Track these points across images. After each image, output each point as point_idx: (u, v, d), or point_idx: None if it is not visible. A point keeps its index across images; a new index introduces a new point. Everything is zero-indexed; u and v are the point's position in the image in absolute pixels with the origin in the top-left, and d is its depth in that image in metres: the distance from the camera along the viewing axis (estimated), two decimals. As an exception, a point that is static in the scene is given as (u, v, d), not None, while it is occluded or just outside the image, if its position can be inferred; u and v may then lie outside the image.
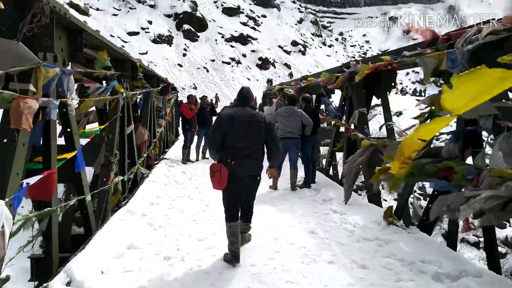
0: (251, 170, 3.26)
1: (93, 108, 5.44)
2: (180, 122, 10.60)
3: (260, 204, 4.44)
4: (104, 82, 5.27)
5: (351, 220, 4.24)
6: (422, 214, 4.06)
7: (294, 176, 6.00)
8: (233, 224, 3.25)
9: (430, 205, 3.42)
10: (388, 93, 5.76)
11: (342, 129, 6.87)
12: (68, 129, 3.57)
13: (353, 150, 6.43)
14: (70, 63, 3.63)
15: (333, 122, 6.82)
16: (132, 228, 3.80)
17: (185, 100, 10.04)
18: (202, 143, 9.49)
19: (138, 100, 8.35)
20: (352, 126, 5.67)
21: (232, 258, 3.13)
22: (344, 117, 6.63)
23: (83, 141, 4.72)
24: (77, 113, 4.42)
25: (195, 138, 9.43)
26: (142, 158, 7.17)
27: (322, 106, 8.29)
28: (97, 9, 42.26)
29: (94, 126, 5.73)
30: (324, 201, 5.27)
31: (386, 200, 10.78)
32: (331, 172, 7.46)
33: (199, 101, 9.84)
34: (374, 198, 5.13)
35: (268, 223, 4.26)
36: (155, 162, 8.66)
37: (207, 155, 9.81)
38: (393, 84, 5.57)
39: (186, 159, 8.91)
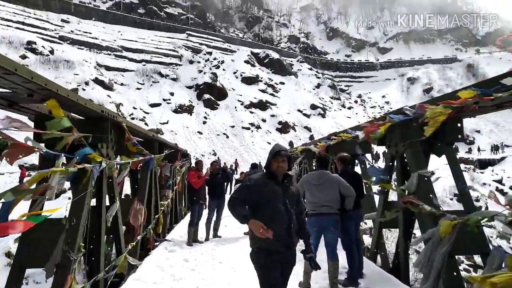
0: None
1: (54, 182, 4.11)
2: (186, 194, 9.12)
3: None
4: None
5: None
6: None
7: (334, 269, 4.29)
8: None
9: None
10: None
11: (391, 195, 5.26)
12: None
13: (410, 224, 4.78)
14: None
15: (377, 188, 5.21)
16: None
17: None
18: (214, 218, 7.93)
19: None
20: (408, 194, 4.08)
21: None
22: (393, 181, 5.04)
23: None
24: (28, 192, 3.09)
25: (205, 212, 7.92)
26: (133, 243, 5.64)
27: (356, 168, 6.75)
28: (122, 84, 44.09)
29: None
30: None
31: None
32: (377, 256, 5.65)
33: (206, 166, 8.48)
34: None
35: None
36: (156, 244, 7.08)
37: (220, 232, 8.14)
38: (459, 136, 4.05)
39: (193, 239, 7.30)
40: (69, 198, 3.77)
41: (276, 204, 2.76)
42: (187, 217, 9.44)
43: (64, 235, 3.61)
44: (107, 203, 4.86)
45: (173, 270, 5.25)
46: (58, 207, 3.28)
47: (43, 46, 40.67)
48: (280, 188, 2.82)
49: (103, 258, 4.49)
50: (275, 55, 64.64)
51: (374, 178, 4.95)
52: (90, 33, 49.60)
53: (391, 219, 4.87)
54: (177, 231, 8.44)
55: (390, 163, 5.07)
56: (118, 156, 6.12)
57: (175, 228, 9.03)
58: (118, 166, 5.14)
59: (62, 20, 49.11)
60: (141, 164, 6.89)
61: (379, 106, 70.74)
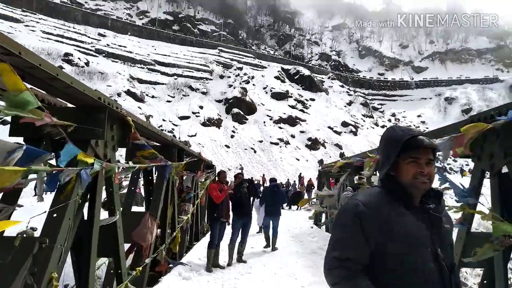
0: None
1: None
2: (206, 209, 8.01)
3: None
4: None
5: None
6: None
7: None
8: None
9: None
10: None
11: (475, 222, 3.91)
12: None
13: (506, 265, 3.45)
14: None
15: (459, 213, 3.88)
16: None
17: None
18: (239, 239, 6.76)
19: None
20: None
21: None
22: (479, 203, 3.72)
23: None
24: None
25: (228, 230, 6.78)
26: (139, 268, 4.56)
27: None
28: (153, 97, 44.46)
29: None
30: None
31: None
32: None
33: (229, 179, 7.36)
34: None
35: None
36: (169, 266, 5.98)
37: (245, 256, 6.93)
38: None
39: (212, 263, 6.14)
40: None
41: (422, 258, 1.35)
42: (208, 236, 8.20)
43: (30, 261, 2.57)
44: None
45: (185, 308, 4.11)
46: (17, 221, 2.24)
47: (79, 58, 41.88)
48: (424, 222, 1.40)
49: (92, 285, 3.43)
50: (305, 72, 63.69)
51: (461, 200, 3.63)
52: (125, 47, 50.84)
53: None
54: (196, 251, 7.32)
55: (479, 182, 3.75)
56: (129, 162, 5.16)
57: (195, 247, 7.92)
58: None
59: (99, 34, 50.71)
60: (156, 172, 5.90)
61: (414, 125, 67.64)
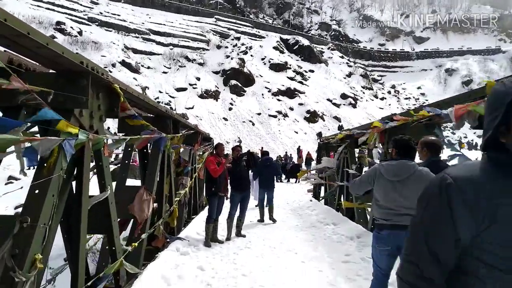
0: None
1: None
2: (204, 183, 7.80)
3: None
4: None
5: None
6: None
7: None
8: None
9: None
10: None
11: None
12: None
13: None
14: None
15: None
16: None
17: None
18: (237, 213, 6.61)
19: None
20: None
21: None
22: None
23: None
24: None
25: (226, 204, 6.61)
26: (135, 243, 4.40)
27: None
28: (148, 68, 43.48)
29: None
30: None
31: None
32: None
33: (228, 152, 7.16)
34: None
35: None
36: (167, 241, 5.84)
37: (244, 230, 6.81)
38: None
39: (211, 238, 6.01)
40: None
41: None
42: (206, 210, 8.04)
43: (10, 242, 2.35)
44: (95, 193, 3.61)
45: (182, 285, 3.96)
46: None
47: (71, 27, 40.55)
48: None
49: (82, 269, 3.25)
50: (305, 42, 62.20)
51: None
52: (119, 15, 49.15)
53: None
54: (194, 226, 7.20)
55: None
56: (120, 134, 4.88)
57: (193, 221, 7.80)
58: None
59: (92, 2, 48.86)
60: (151, 145, 5.63)
61: (414, 97, 67.18)
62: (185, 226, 7.28)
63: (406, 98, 66.90)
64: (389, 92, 67.58)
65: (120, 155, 17.27)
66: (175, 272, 4.33)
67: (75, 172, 3.19)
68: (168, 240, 5.75)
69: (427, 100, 63.44)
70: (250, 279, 4.36)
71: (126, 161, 5.53)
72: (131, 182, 10.59)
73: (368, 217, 7.26)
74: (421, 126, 5.17)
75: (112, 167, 13.04)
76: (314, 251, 5.69)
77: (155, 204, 6.12)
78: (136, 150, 5.78)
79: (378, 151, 7.21)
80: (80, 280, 3.16)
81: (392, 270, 3.11)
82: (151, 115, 5.67)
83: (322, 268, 4.82)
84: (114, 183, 5.57)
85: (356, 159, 8.52)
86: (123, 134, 4.65)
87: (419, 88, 71.57)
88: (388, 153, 6.05)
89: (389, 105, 60.35)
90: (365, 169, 8.81)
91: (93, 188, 3.66)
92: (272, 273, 4.60)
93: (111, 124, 24.22)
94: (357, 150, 8.87)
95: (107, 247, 4.75)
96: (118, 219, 5.27)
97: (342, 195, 9.31)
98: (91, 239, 5.51)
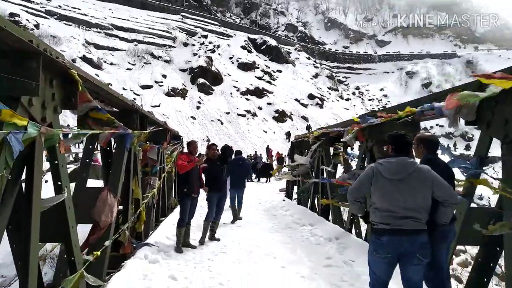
0: None
1: None
2: (176, 184, 7.28)
3: None
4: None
5: None
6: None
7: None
8: None
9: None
10: None
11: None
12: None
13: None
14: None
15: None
16: None
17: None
18: (214, 215, 6.18)
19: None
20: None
21: None
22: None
23: None
24: None
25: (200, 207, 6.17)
26: (97, 252, 3.88)
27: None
28: (111, 64, 41.67)
29: None
30: None
31: None
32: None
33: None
34: None
35: None
36: (134, 247, 5.32)
37: (218, 233, 6.39)
38: None
39: (183, 243, 5.56)
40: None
41: None
42: (176, 212, 7.40)
43: None
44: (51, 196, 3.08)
45: (153, 299, 3.51)
46: None
47: (27, 20, 37.96)
48: None
49: (34, 281, 2.73)
50: (272, 42, 62.36)
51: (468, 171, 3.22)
52: (79, 9, 46.73)
53: (472, 234, 3.25)
54: (163, 229, 6.68)
55: (486, 151, 3.37)
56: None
57: (162, 224, 7.27)
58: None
59: (49, -6, 46.10)
60: (115, 143, 5.10)
61: (377, 99, 69.41)
62: (153, 230, 6.75)
63: (370, 99, 68.96)
64: (353, 93, 69.37)
65: (80, 154, 16.19)
66: (144, 283, 3.86)
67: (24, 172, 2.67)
68: (135, 246, 5.23)
69: (389, 102, 65.78)
70: (228, 289, 3.97)
71: (87, 160, 4.95)
72: (92, 183, 9.83)
73: (346, 217, 7.10)
74: (400, 124, 5.02)
75: (72, 167, 12.12)
76: (293, 255, 5.39)
77: (121, 207, 5.60)
78: (98, 148, 5.23)
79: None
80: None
81: (390, 279, 2.84)
82: (115, 110, 5.12)
83: (304, 273, 4.53)
84: (73, 185, 4.99)
85: (331, 158, 8.35)
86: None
87: (381, 89, 74.05)
88: (367, 151, 5.88)
89: (354, 105, 61.94)
90: (340, 168, 8.67)
91: (49, 191, 3.14)
92: (251, 281, 4.24)
93: (72, 122, 22.85)
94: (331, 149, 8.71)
95: (65, 256, 4.20)
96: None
97: (316, 194, 9.13)
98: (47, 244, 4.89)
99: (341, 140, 5.92)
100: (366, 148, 5.74)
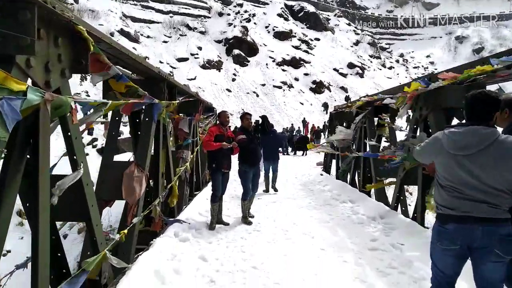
0: None
1: None
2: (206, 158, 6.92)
3: None
4: None
5: None
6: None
7: None
8: None
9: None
10: None
11: None
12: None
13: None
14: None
15: None
16: None
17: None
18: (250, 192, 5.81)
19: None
20: None
21: None
22: None
23: None
24: None
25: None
26: (125, 231, 3.65)
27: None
28: (148, 37, 41.87)
29: None
30: None
31: None
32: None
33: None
34: None
35: None
36: (165, 223, 5.11)
37: (251, 209, 6.04)
38: None
39: (216, 220, 5.27)
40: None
41: None
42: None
43: None
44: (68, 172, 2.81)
45: (180, 283, 3.23)
46: None
47: (66, -6, 38.68)
48: None
49: (46, 268, 2.49)
50: (310, 8, 59.53)
51: None
52: (116, -19, 46.89)
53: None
54: (196, 205, 6.46)
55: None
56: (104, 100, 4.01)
57: (195, 199, 7.06)
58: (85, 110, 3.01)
59: (87, -32, 46.47)
60: (143, 113, 4.79)
61: (423, 66, 65.01)
62: (187, 205, 6.55)
63: (415, 67, 64.77)
64: (397, 61, 65.44)
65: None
66: (172, 264, 3.60)
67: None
68: (166, 223, 5.02)
69: (436, 69, 61.35)
70: (262, 273, 3.62)
71: (114, 133, 4.70)
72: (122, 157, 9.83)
73: (390, 193, 6.48)
74: (463, 89, 4.27)
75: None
76: (333, 235, 4.94)
77: (151, 181, 5.38)
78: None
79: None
80: (41, 281, 2.41)
81: (458, 276, 2.31)
82: (140, 78, 4.78)
83: (346, 257, 4.07)
84: (100, 159, 4.78)
85: (375, 130, 7.63)
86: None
87: (428, 56, 69.16)
88: (421, 121, 5.17)
89: (397, 74, 58.51)
90: (384, 141, 7.95)
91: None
92: (287, 265, 3.87)
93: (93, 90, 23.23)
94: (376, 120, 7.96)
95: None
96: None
97: (357, 168, 8.50)
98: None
99: (399, 110, 5.17)
100: (419, 117, 5.03)
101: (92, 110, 3.08)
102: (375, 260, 3.96)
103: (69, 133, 2.76)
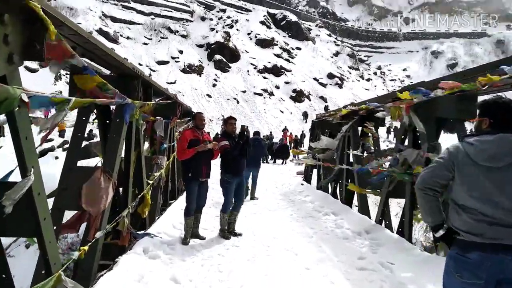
0: None
1: None
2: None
3: None
4: None
5: None
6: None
7: None
8: None
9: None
10: None
11: None
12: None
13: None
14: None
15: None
16: None
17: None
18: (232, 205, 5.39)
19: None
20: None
21: None
22: None
23: None
24: None
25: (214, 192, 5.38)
26: (85, 247, 3.18)
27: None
28: (128, 38, 40.91)
29: None
30: None
31: None
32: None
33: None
34: None
35: None
36: (134, 236, 4.63)
37: (237, 226, 5.59)
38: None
39: (190, 235, 4.83)
40: None
41: None
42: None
43: None
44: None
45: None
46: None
47: (43, -10, 37.31)
48: None
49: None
50: (293, 18, 60.09)
51: None
52: (96, -20, 45.73)
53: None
54: (169, 216, 5.97)
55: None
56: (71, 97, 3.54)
57: (169, 210, 6.57)
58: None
59: (66, -36, 45.10)
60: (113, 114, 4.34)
61: (399, 79, 66.68)
62: (160, 216, 6.07)
63: (391, 80, 66.35)
64: (375, 73, 66.87)
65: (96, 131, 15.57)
66: (138, 287, 3.14)
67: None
68: (136, 237, 4.54)
69: (411, 83, 62.99)
70: (241, 297, 3.23)
71: (79, 134, 4.21)
72: (94, 161, 9.16)
73: (377, 207, 6.23)
74: (456, 99, 4.08)
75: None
76: (318, 252, 4.61)
77: (121, 189, 4.90)
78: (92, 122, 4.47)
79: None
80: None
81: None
82: (111, 74, 4.33)
83: (333, 277, 3.74)
84: (61, 162, 4.27)
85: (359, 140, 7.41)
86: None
87: (404, 70, 71.08)
88: (409, 131, 4.95)
89: (375, 86, 59.71)
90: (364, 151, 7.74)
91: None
92: (269, 286, 3.49)
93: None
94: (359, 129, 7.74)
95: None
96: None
97: (339, 179, 8.25)
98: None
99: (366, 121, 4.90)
100: (408, 127, 4.81)
101: (54, 110, 2.64)
102: (364, 282, 3.65)
103: (17, 133, 2.30)
